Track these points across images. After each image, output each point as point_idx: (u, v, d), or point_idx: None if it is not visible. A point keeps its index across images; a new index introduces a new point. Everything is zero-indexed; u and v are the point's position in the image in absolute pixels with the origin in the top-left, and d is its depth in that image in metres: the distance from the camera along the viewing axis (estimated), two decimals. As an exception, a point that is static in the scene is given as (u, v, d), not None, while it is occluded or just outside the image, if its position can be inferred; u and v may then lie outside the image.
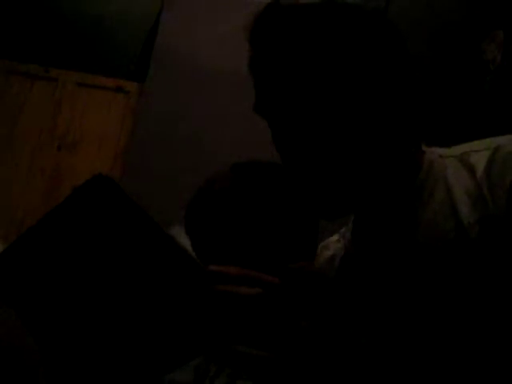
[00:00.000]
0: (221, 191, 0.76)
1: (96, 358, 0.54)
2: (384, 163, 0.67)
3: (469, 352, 0.60)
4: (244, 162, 0.81)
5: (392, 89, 0.66)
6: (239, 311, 0.52)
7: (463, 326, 0.61)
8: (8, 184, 2.47)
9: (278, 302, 0.54)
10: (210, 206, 0.77)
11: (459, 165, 0.67)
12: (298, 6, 0.67)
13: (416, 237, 0.66)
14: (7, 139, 2.54)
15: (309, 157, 0.65)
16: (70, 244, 0.54)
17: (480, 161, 0.64)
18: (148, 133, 2.40)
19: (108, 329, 0.54)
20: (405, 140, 0.69)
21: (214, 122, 2.43)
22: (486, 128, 2.11)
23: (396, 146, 0.68)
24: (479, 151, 0.66)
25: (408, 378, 0.63)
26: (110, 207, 0.53)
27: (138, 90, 2.63)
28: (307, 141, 0.65)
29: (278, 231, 0.73)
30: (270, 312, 0.53)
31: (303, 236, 0.76)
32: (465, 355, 0.60)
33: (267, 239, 0.73)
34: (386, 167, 0.68)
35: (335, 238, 0.83)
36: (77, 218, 0.53)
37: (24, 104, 2.59)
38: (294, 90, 0.65)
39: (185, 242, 0.80)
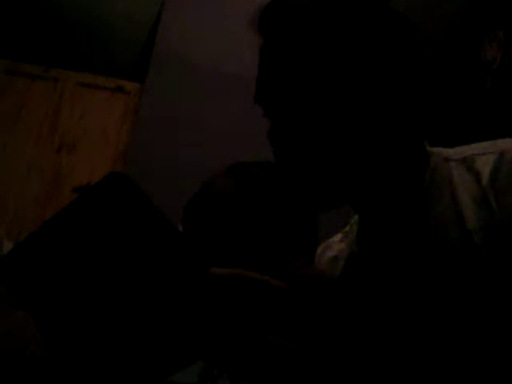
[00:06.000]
0: (217, 194, 0.76)
1: (100, 358, 0.54)
2: (386, 161, 0.66)
3: (471, 356, 0.60)
4: (239, 163, 0.80)
5: (400, 86, 0.65)
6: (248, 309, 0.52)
7: (466, 330, 0.60)
8: (8, 184, 2.47)
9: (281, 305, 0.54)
10: (207, 210, 0.76)
11: (464, 169, 0.66)
12: None
13: (421, 241, 0.66)
14: (7, 139, 2.54)
15: (307, 147, 0.65)
16: (83, 241, 0.54)
17: (485, 165, 0.63)
18: (148, 133, 2.39)
19: (113, 329, 0.53)
20: (409, 139, 0.69)
21: (213, 122, 2.43)
22: (486, 128, 2.11)
23: (400, 145, 0.67)
24: (484, 155, 0.65)
25: (410, 379, 0.63)
26: (126, 205, 0.53)
27: (138, 90, 2.63)
28: (307, 131, 0.64)
29: (277, 232, 0.73)
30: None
31: (302, 236, 0.75)
32: (467, 360, 0.60)
33: (266, 240, 0.73)
34: (388, 165, 0.67)
35: (337, 238, 0.83)
36: (90, 216, 0.53)
37: (24, 104, 2.59)
38: (298, 79, 0.64)
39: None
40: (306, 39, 0.65)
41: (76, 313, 0.54)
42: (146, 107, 2.46)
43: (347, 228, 0.82)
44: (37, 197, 2.47)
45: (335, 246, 0.81)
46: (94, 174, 2.51)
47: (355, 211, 0.76)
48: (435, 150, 0.71)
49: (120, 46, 2.83)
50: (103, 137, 2.58)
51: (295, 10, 0.66)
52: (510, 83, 2.22)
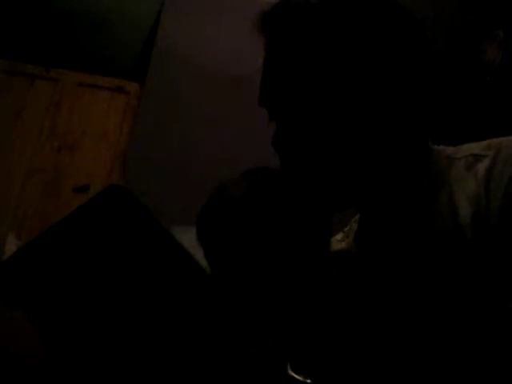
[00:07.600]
0: (232, 198, 0.75)
1: (99, 364, 0.54)
2: (390, 160, 0.67)
3: (467, 353, 0.60)
4: (255, 168, 0.80)
5: (406, 86, 0.65)
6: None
7: (457, 322, 0.61)
8: (8, 184, 2.47)
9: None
10: (222, 214, 0.76)
11: (464, 169, 0.66)
12: None
13: (418, 237, 0.66)
14: (7, 139, 2.54)
15: (313, 149, 0.65)
16: (82, 252, 0.54)
17: (483, 165, 0.64)
18: (148, 133, 2.40)
19: (113, 336, 0.54)
20: (414, 139, 0.69)
21: (213, 122, 2.43)
22: (485, 128, 2.11)
23: (405, 145, 0.67)
24: (486, 156, 0.65)
25: (407, 377, 0.63)
26: (125, 217, 0.53)
27: (138, 90, 2.64)
28: (313, 133, 0.64)
29: (292, 236, 0.73)
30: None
31: (317, 239, 0.75)
32: (463, 357, 0.60)
33: (281, 245, 0.73)
34: (392, 164, 0.67)
35: (338, 237, 0.83)
36: (89, 227, 0.53)
37: (24, 104, 2.59)
38: (303, 80, 0.64)
39: (184, 242, 0.80)
40: (311, 40, 0.65)
41: (74, 320, 0.54)
42: (145, 107, 2.46)
43: (348, 227, 0.82)
44: (37, 197, 2.47)
45: (336, 245, 0.82)
46: (94, 173, 2.51)
47: (356, 208, 0.76)
48: (438, 148, 0.72)
49: (120, 46, 2.83)
50: (103, 137, 2.58)
51: (300, 12, 0.67)
52: (509, 83, 2.22)
